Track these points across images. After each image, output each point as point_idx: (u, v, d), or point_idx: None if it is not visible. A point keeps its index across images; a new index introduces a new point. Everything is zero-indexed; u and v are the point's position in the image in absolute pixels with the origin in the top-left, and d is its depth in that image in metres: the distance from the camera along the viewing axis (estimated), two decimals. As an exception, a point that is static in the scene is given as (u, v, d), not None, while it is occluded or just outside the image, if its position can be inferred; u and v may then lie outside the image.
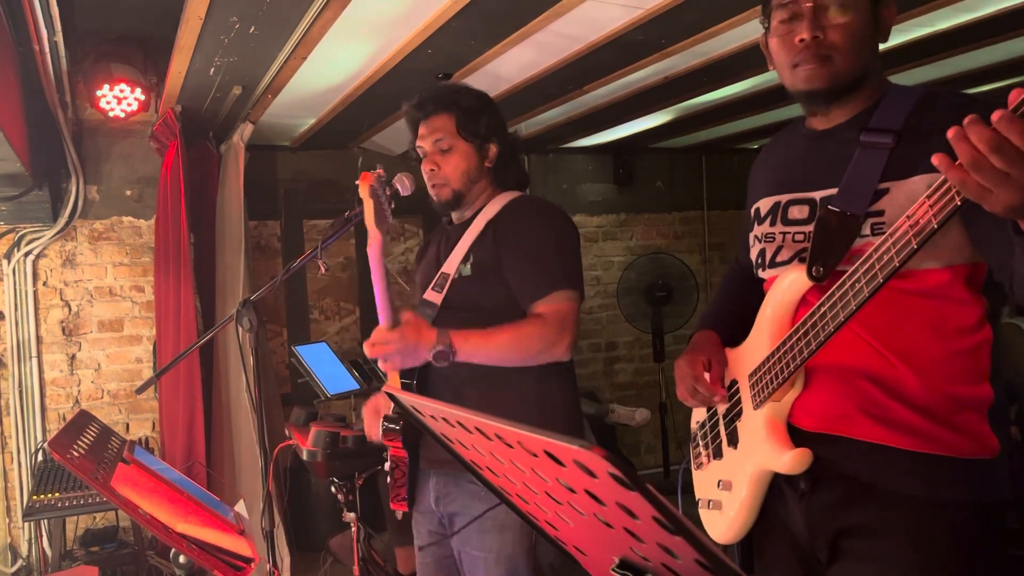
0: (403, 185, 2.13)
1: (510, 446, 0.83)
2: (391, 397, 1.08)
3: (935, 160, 1.00)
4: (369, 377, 4.14)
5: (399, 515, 2.01)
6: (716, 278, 5.95)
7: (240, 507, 2.05)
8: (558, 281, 1.83)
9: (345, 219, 2.14)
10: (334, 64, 3.14)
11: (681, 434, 5.69)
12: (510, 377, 1.84)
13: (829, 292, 1.26)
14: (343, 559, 3.31)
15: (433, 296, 1.92)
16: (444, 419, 0.95)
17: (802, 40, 1.33)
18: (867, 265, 1.18)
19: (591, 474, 0.72)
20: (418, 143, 1.99)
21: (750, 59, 3.31)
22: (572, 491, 0.81)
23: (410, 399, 1.01)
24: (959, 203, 1.04)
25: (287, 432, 2.85)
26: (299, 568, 4.04)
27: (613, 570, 0.87)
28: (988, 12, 2.94)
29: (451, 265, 1.92)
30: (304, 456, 2.55)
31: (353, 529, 2.62)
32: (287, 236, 4.73)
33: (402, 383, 1.91)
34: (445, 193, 1.96)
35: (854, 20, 1.32)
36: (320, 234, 4.65)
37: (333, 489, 2.63)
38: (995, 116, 0.94)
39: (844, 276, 1.22)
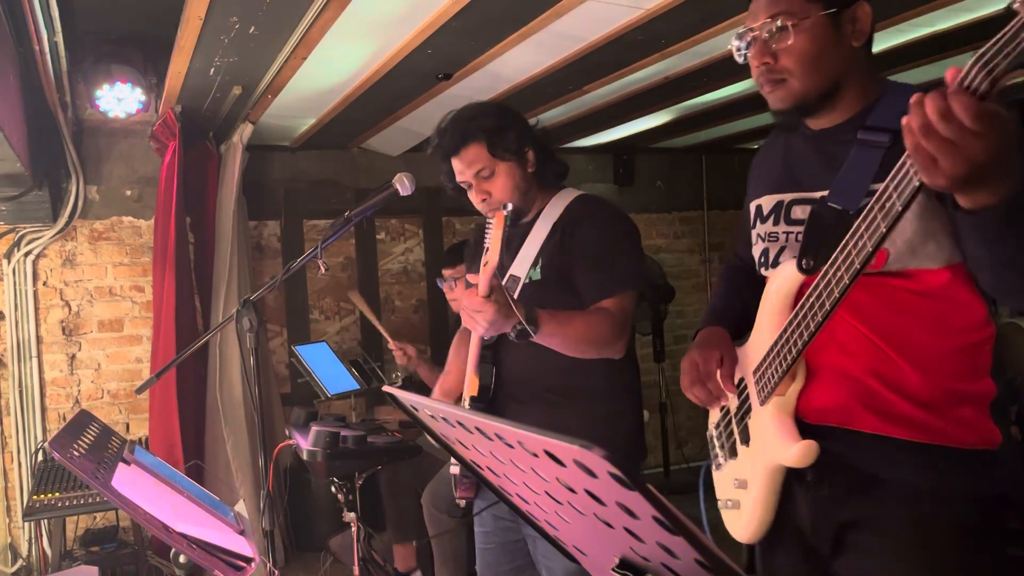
0: (403, 185, 2.14)
1: (510, 446, 0.83)
2: (391, 397, 1.08)
3: (903, 121, 1.02)
4: (369, 377, 4.14)
5: (463, 503, 2.03)
6: (716, 278, 5.95)
7: (240, 507, 2.05)
8: (624, 282, 1.89)
9: (345, 219, 2.14)
10: (334, 64, 3.14)
11: (681, 434, 5.69)
12: (579, 396, 1.91)
13: (815, 283, 1.28)
14: (343, 559, 3.32)
15: None
16: (444, 419, 0.95)
17: (756, 66, 1.40)
18: (844, 252, 1.21)
19: (591, 474, 0.72)
20: (458, 178, 2.01)
21: (750, 59, 3.31)
22: (572, 491, 0.81)
23: (410, 398, 1.01)
24: (917, 183, 1.06)
25: (287, 432, 2.85)
26: (299, 568, 4.05)
27: (613, 570, 0.87)
28: (988, 12, 2.94)
29: (520, 268, 1.96)
30: (304, 456, 2.55)
31: (353, 529, 2.62)
32: (287, 236, 4.73)
33: (481, 385, 1.96)
34: None
35: (805, 41, 1.34)
36: (320, 234, 4.65)
37: (333, 489, 2.63)
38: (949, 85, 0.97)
39: (826, 266, 1.25)
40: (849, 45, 1.37)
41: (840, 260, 1.22)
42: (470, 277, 1.78)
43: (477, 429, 0.88)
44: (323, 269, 2.19)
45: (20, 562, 3.96)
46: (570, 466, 0.74)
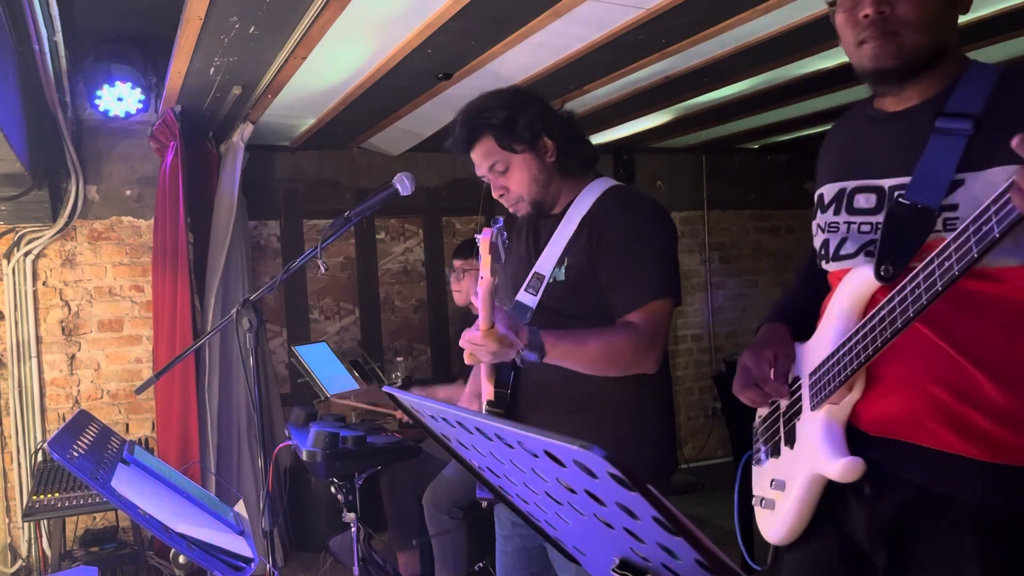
0: (403, 185, 2.13)
1: (510, 446, 0.83)
2: (391, 397, 1.08)
3: (1016, 178, 0.92)
4: (369, 377, 4.14)
5: (484, 504, 1.95)
6: (716, 278, 5.96)
7: (240, 507, 2.05)
8: (654, 291, 1.76)
9: (345, 219, 2.14)
10: (334, 64, 3.14)
11: (681, 434, 5.69)
12: (605, 406, 1.80)
13: (889, 296, 1.19)
14: (343, 559, 3.31)
15: (527, 298, 1.86)
16: (444, 419, 0.95)
17: (866, 16, 1.25)
18: (927, 271, 1.11)
19: (591, 474, 0.72)
20: (477, 172, 1.90)
21: (750, 59, 3.31)
22: (572, 491, 0.81)
23: (410, 399, 1.01)
24: (1023, 213, 0.98)
25: (287, 432, 2.85)
26: (299, 568, 4.05)
27: (613, 570, 0.87)
28: (988, 12, 2.94)
29: (545, 266, 1.85)
30: (304, 456, 2.55)
31: (353, 529, 2.62)
32: (287, 236, 4.73)
33: (496, 392, 1.87)
34: (524, 208, 1.88)
35: None
36: (320, 234, 4.65)
37: (333, 489, 2.63)
38: None
39: (905, 280, 1.16)
40: (955, 13, 1.28)
41: (921, 277, 1.12)
42: (473, 299, 1.72)
43: (477, 429, 0.88)
44: (323, 269, 2.18)
45: (20, 562, 3.96)
46: (570, 466, 0.74)
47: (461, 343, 1.64)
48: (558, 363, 1.69)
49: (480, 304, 1.60)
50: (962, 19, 1.34)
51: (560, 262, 1.83)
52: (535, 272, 1.87)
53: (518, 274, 1.92)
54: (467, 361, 1.68)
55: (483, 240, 1.60)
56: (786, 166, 6.04)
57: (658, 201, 1.89)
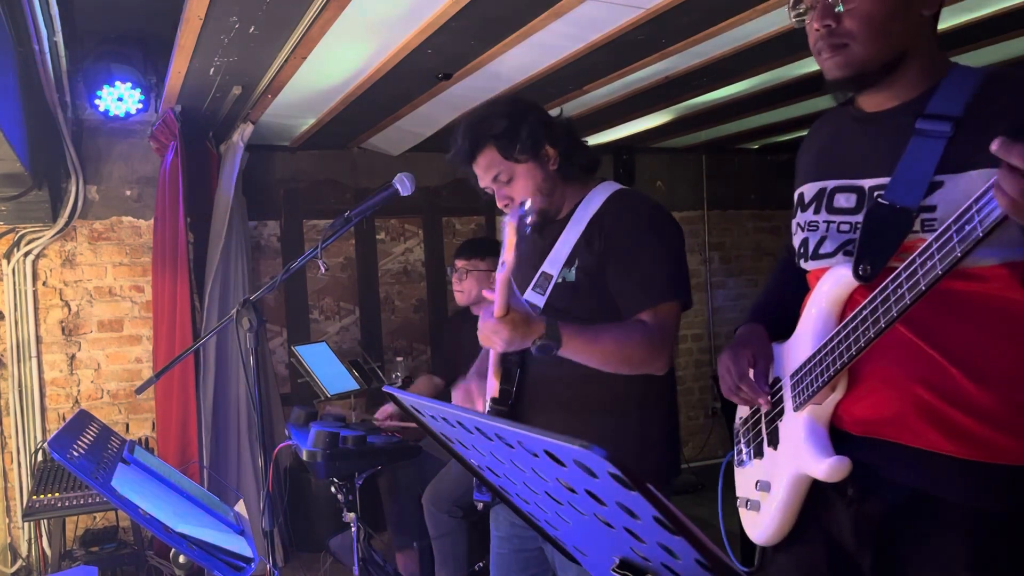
0: (403, 185, 2.13)
1: (510, 446, 0.83)
2: (391, 397, 1.08)
3: (994, 180, 0.93)
4: (369, 377, 4.14)
5: (480, 506, 1.94)
6: (716, 278, 5.96)
7: (240, 507, 2.05)
8: (665, 292, 1.76)
9: (345, 219, 2.14)
10: (334, 64, 3.14)
11: (682, 434, 5.69)
12: (610, 406, 1.80)
13: (871, 296, 1.19)
14: (343, 559, 3.31)
15: (534, 298, 1.86)
16: (444, 419, 0.95)
17: (816, 30, 1.29)
18: (910, 270, 1.12)
19: (591, 474, 0.72)
20: (480, 183, 1.90)
21: (750, 59, 3.31)
22: (572, 491, 0.81)
23: (410, 399, 1.01)
24: (1001, 212, 0.99)
25: (287, 432, 2.85)
26: (299, 568, 4.05)
27: (613, 570, 0.87)
28: (988, 12, 2.94)
29: (553, 266, 1.85)
30: (304, 456, 2.55)
31: (353, 529, 2.62)
32: (287, 236, 4.73)
33: (501, 388, 1.87)
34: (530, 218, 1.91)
35: (872, 1, 1.24)
36: (320, 234, 4.65)
37: (333, 489, 2.63)
38: None
39: (887, 280, 1.16)
40: (918, 12, 1.28)
41: (904, 277, 1.12)
42: (486, 294, 1.68)
43: (477, 429, 0.88)
44: (323, 269, 2.18)
45: (20, 562, 3.96)
46: (570, 466, 0.74)
47: (479, 326, 1.63)
48: (572, 356, 1.69)
49: (497, 290, 1.59)
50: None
51: (569, 262, 1.83)
52: (543, 272, 1.87)
53: (525, 274, 1.92)
54: (482, 343, 1.67)
55: (509, 223, 1.58)
56: (786, 166, 6.03)
57: (663, 205, 1.89)
